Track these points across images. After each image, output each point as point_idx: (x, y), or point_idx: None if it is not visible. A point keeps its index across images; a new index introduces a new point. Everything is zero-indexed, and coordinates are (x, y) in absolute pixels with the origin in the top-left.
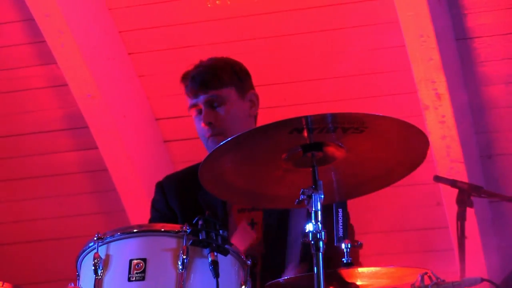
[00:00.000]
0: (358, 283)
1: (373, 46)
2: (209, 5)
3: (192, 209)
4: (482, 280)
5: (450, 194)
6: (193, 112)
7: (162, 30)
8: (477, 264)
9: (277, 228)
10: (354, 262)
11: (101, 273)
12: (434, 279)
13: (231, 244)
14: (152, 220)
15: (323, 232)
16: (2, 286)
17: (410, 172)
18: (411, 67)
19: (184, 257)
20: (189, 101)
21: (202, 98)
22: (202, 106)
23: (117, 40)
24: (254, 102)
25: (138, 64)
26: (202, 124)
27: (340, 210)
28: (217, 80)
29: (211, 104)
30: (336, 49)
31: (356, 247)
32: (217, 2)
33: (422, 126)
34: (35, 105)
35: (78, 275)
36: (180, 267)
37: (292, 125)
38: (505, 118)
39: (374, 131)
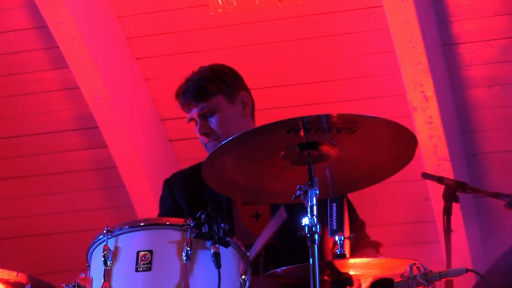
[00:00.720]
0: (351, 273)
1: (365, 52)
2: (211, 13)
3: (198, 204)
4: (467, 270)
5: (437, 190)
6: (192, 124)
7: (167, 36)
8: (462, 256)
9: (286, 221)
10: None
11: (110, 264)
12: (422, 269)
13: (232, 237)
14: (161, 215)
15: (318, 226)
16: (17, 276)
17: (400, 169)
18: (400, 71)
19: (188, 248)
20: (186, 115)
21: (194, 111)
22: (196, 119)
23: (125, 46)
24: (246, 103)
25: (145, 68)
26: (199, 135)
27: (334, 204)
28: (204, 92)
29: (203, 115)
30: (330, 54)
31: (350, 239)
32: (219, 10)
33: (411, 126)
34: (49, 107)
35: (89, 266)
36: (184, 258)
37: (289, 126)
38: (488, 118)
39: (366, 131)
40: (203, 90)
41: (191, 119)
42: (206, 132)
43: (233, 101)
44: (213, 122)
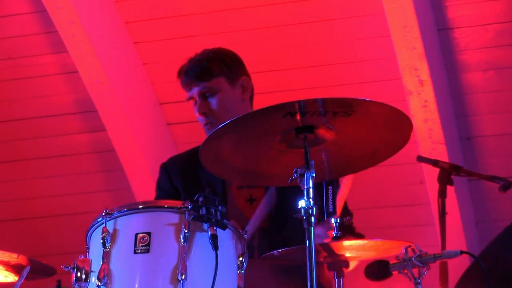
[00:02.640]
0: (347, 255)
1: (360, 36)
2: None
3: (194, 187)
4: (462, 252)
5: (432, 173)
6: (191, 103)
7: (165, 20)
8: (457, 238)
9: (278, 204)
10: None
11: (109, 246)
12: (417, 251)
13: (229, 219)
14: (158, 198)
15: (314, 208)
16: (18, 257)
17: (395, 152)
18: (396, 55)
19: (186, 231)
20: (186, 94)
21: (195, 90)
22: (196, 98)
23: (124, 30)
24: (246, 87)
25: (143, 53)
26: (197, 115)
27: (330, 187)
28: (207, 72)
29: (204, 95)
30: (326, 39)
31: (345, 221)
32: None
33: (406, 110)
34: (48, 91)
35: (88, 248)
36: (182, 240)
37: (286, 109)
38: (482, 102)
39: (361, 114)
40: (206, 70)
41: (191, 98)
42: (205, 112)
43: (234, 85)
44: (212, 102)
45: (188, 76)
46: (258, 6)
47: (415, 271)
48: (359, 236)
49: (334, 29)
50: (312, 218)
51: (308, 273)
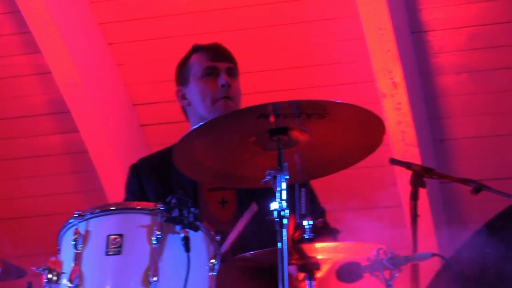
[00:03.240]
0: (319, 257)
1: (335, 39)
2: None
3: (165, 189)
4: (433, 255)
5: (404, 176)
6: (204, 73)
7: (140, 22)
8: (429, 240)
9: (262, 204)
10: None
11: (80, 247)
12: (388, 253)
13: (202, 221)
14: (127, 199)
15: (287, 210)
16: None
17: (368, 155)
18: (370, 58)
19: (158, 233)
20: (203, 64)
21: (224, 64)
22: (222, 71)
23: (97, 32)
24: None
25: (117, 54)
26: (220, 85)
27: (303, 189)
28: (231, 56)
29: (229, 73)
30: (301, 41)
31: (317, 223)
32: None
33: (380, 112)
34: (21, 91)
35: (59, 249)
36: (154, 242)
37: (259, 111)
38: (455, 105)
39: (335, 116)
40: (233, 56)
41: (212, 68)
42: (230, 84)
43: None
44: (233, 83)
45: (219, 50)
46: (231, 8)
47: (386, 273)
48: (334, 232)
49: (309, 32)
50: (285, 220)
51: (280, 275)
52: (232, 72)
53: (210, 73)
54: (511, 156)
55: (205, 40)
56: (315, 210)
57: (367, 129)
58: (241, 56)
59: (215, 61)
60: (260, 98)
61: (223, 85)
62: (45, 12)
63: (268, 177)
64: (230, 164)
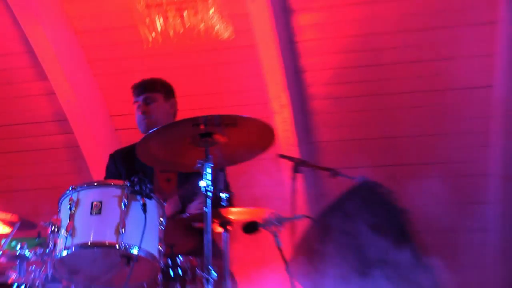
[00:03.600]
0: (231, 217)
1: (243, 74)
2: (149, 45)
3: (131, 171)
4: (304, 216)
5: (287, 165)
6: (135, 106)
7: (121, 59)
8: (303, 207)
9: (185, 183)
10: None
11: (73, 210)
12: (276, 215)
13: (154, 193)
14: (106, 178)
15: (211, 187)
16: (11, 216)
17: (264, 151)
18: (267, 87)
19: (126, 200)
20: (133, 100)
21: (141, 97)
22: (140, 102)
23: (87, 67)
24: (173, 106)
25: (101, 84)
26: (139, 113)
27: (221, 173)
28: (150, 87)
29: (146, 101)
30: (222, 78)
31: (230, 197)
32: (150, 45)
33: (272, 123)
34: (34, 106)
35: (59, 211)
36: (123, 206)
37: (194, 121)
38: (322, 120)
39: (243, 126)
40: (150, 85)
41: (136, 102)
42: (145, 111)
43: (167, 101)
44: (151, 107)
45: (137, 87)
46: (172, 52)
47: (274, 228)
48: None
49: (223, 72)
50: (209, 193)
51: (206, 229)
52: (148, 100)
53: (136, 105)
54: (359, 152)
55: (161, 67)
56: (228, 189)
57: (264, 134)
58: (182, 87)
59: (135, 96)
60: (195, 113)
61: (141, 113)
62: (51, 52)
63: (198, 165)
64: (173, 156)
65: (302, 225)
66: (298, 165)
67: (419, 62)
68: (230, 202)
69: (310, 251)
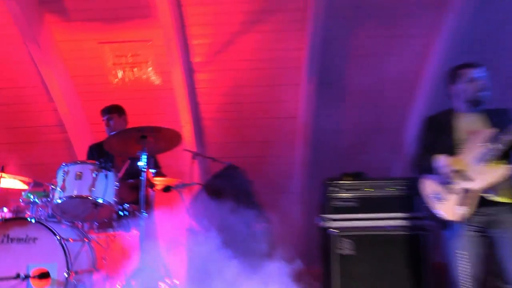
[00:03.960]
0: (157, 182)
1: (162, 103)
2: (114, 82)
3: (101, 156)
4: (197, 183)
5: (189, 155)
6: (104, 120)
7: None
8: (197, 178)
9: (135, 163)
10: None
11: (65, 177)
12: (182, 182)
13: (113, 168)
14: (87, 159)
15: (146, 168)
16: (28, 179)
17: (176, 146)
18: (179, 112)
19: (96, 172)
20: (102, 117)
21: (106, 116)
22: (105, 119)
23: (80, 102)
24: (125, 120)
25: (89, 113)
26: (105, 125)
27: (152, 158)
28: (111, 110)
29: (108, 118)
30: (155, 105)
31: (158, 171)
32: (114, 82)
33: (181, 132)
34: (41, 113)
35: (56, 178)
36: (94, 175)
37: (137, 129)
38: (210, 132)
39: (164, 133)
40: (111, 109)
41: (104, 118)
42: (108, 124)
43: (120, 117)
44: (111, 123)
45: (103, 111)
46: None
47: (180, 189)
48: (164, 175)
49: (155, 101)
50: (143, 169)
51: (141, 189)
52: (109, 118)
53: (104, 120)
54: (229, 150)
55: (121, 97)
56: (158, 166)
57: (175, 138)
58: (132, 109)
59: (103, 115)
60: (138, 124)
61: (106, 125)
62: (57, 86)
63: (138, 154)
64: (125, 148)
65: (196, 188)
66: (195, 155)
67: (262, 103)
68: (159, 174)
69: (202, 203)
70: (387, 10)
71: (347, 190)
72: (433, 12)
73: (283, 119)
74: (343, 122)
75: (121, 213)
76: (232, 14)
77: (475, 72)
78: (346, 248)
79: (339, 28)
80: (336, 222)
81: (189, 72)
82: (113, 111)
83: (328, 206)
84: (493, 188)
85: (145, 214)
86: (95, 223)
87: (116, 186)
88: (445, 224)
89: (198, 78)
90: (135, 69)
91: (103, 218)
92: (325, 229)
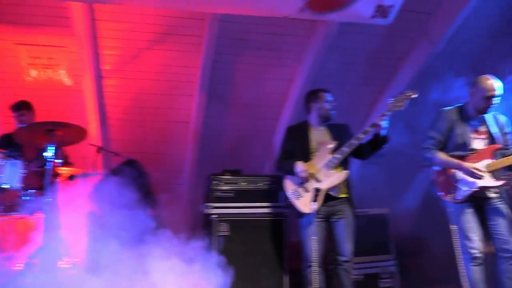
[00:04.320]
0: (62, 172)
1: (71, 109)
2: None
3: (10, 145)
4: (99, 173)
5: (94, 148)
6: (16, 115)
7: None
8: (99, 169)
9: (40, 154)
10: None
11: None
12: (86, 172)
13: (21, 157)
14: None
15: (52, 158)
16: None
17: (82, 141)
18: (87, 112)
19: (4, 160)
20: (13, 112)
21: (17, 112)
22: (16, 114)
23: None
24: (34, 114)
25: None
26: (17, 120)
27: (59, 149)
28: (21, 106)
29: (19, 113)
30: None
31: (65, 161)
32: (27, 80)
33: (88, 128)
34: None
35: None
36: (2, 163)
37: (45, 124)
38: (115, 129)
39: (71, 128)
40: (21, 105)
41: (14, 114)
42: (21, 120)
43: (29, 112)
44: (24, 118)
45: (14, 106)
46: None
47: (85, 178)
48: (71, 164)
49: (66, 100)
50: (51, 159)
51: (47, 176)
52: (20, 113)
53: (15, 115)
54: (129, 146)
55: (32, 95)
56: (64, 157)
57: (81, 133)
58: (42, 105)
59: (13, 111)
60: (47, 119)
61: (17, 120)
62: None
63: (46, 145)
64: (34, 139)
65: (98, 178)
66: (99, 149)
67: (161, 108)
68: (66, 164)
69: (103, 190)
70: (263, 44)
71: (226, 183)
72: (298, 47)
73: (178, 123)
74: (226, 128)
75: (26, 197)
76: (140, 33)
77: (328, 96)
78: (224, 230)
79: (227, 54)
80: (217, 209)
81: (99, 77)
82: (23, 107)
83: (211, 196)
84: (335, 187)
85: (49, 199)
86: (1, 206)
87: (23, 173)
88: (301, 214)
89: (106, 83)
90: (49, 71)
91: (8, 202)
92: (208, 215)
